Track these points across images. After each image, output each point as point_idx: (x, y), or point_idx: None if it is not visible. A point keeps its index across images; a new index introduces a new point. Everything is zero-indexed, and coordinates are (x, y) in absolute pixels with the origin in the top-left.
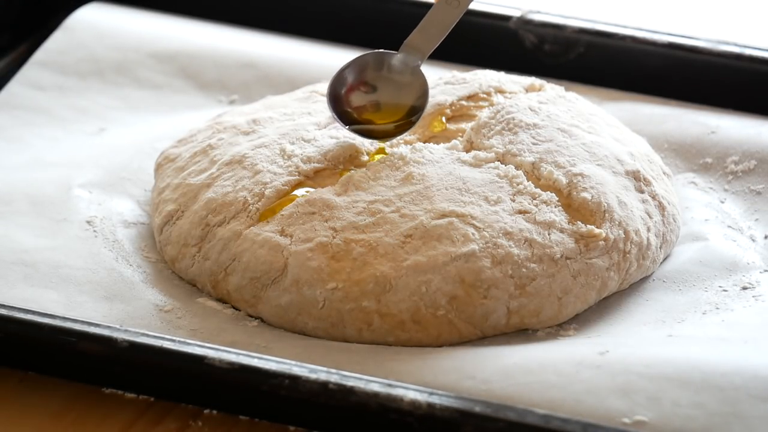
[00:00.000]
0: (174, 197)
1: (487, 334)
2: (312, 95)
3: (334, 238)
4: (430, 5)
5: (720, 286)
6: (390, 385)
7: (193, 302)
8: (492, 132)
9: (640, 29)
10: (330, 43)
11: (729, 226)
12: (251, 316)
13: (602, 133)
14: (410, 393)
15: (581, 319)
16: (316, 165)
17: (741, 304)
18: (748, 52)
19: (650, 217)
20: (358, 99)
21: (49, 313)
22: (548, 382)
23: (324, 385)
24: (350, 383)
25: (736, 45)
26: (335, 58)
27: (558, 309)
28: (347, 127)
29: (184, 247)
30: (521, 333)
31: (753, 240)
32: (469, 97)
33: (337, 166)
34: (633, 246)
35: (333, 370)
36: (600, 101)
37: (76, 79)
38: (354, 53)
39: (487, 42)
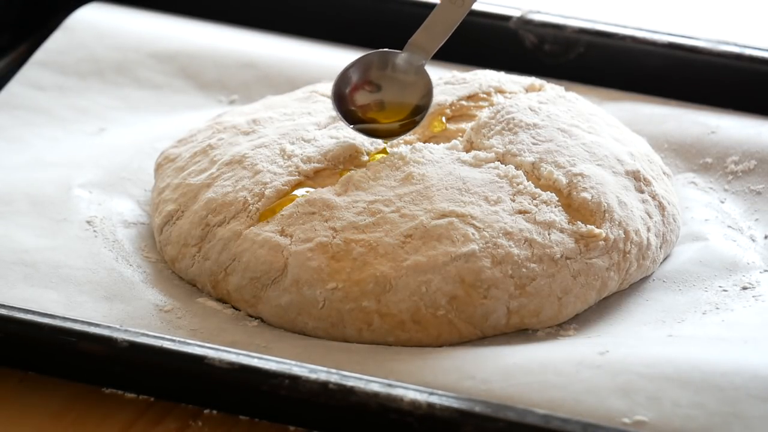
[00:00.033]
0: (174, 197)
1: (487, 334)
2: (312, 95)
3: (334, 238)
4: (429, 5)
5: (720, 286)
6: (390, 385)
7: (193, 302)
8: (492, 132)
9: (640, 29)
10: (330, 43)
11: (729, 226)
12: (251, 316)
13: (602, 133)
14: (410, 393)
15: (581, 319)
16: (316, 165)
17: (741, 304)
18: (748, 52)
19: (650, 217)
20: (362, 98)
21: (49, 313)
22: (548, 382)
23: (324, 385)
24: (350, 383)
25: (736, 45)
26: (335, 58)
27: (558, 309)
28: (352, 126)
29: (184, 247)
30: (521, 333)
31: (753, 240)
32: (469, 97)
33: (337, 166)
34: (633, 246)
35: (333, 370)
36: (600, 101)
37: (76, 79)
38: (354, 53)
39: (487, 42)
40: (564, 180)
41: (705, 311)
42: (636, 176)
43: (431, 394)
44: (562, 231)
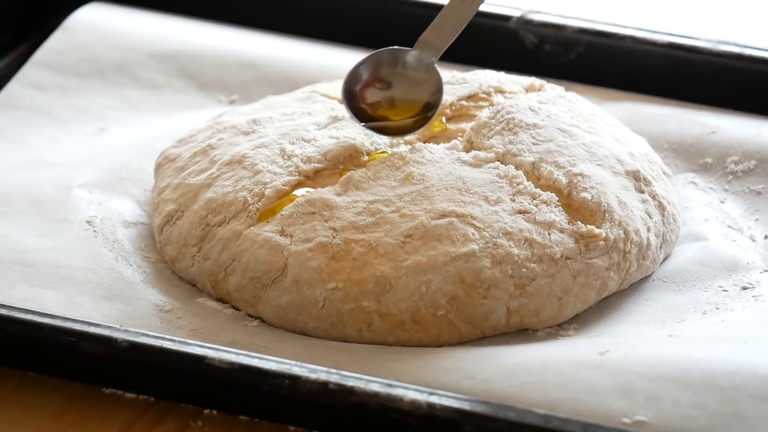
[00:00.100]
0: (174, 197)
1: (487, 334)
2: (312, 95)
3: (334, 238)
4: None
5: (720, 286)
6: (390, 385)
7: (193, 302)
8: (492, 132)
9: (640, 29)
10: (330, 43)
11: (729, 226)
12: (251, 316)
13: (602, 133)
14: (410, 393)
15: (581, 319)
16: (316, 165)
17: (741, 304)
18: (748, 52)
19: (650, 217)
20: (372, 95)
21: (49, 313)
22: (548, 382)
23: (324, 385)
24: (350, 383)
25: (736, 45)
26: (335, 58)
27: (558, 309)
28: (362, 124)
29: (184, 247)
30: (521, 333)
31: (753, 240)
32: (469, 97)
33: (337, 166)
34: (633, 246)
35: (333, 370)
36: (600, 101)
37: (76, 79)
38: (354, 53)
39: (487, 42)
40: (564, 180)
41: (705, 311)
42: (636, 176)
43: (431, 394)
44: (562, 231)
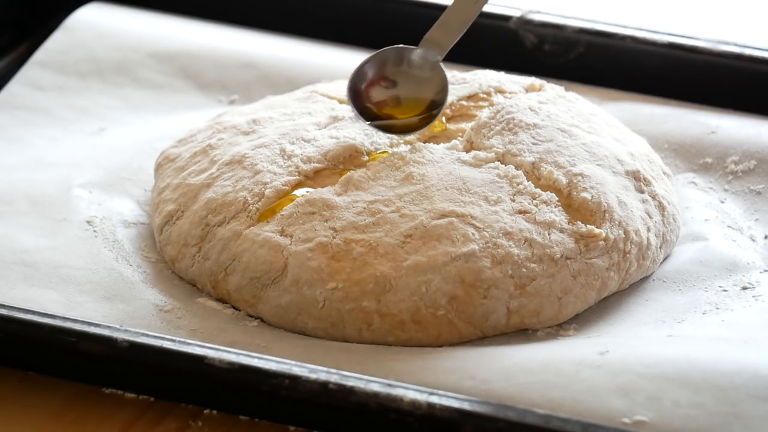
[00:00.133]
0: (174, 197)
1: (487, 334)
2: (312, 95)
3: (334, 238)
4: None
5: (720, 286)
6: (390, 385)
7: (193, 302)
8: (492, 132)
9: (640, 29)
10: (330, 43)
11: (729, 226)
12: (251, 316)
13: (602, 133)
14: (410, 393)
15: (581, 319)
16: (316, 165)
17: (741, 304)
18: (748, 52)
19: (650, 217)
20: (378, 94)
21: (49, 313)
22: (548, 382)
23: (324, 385)
24: (350, 383)
25: (736, 45)
26: (335, 58)
27: (558, 309)
28: (368, 122)
29: (184, 247)
30: (521, 333)
31: (753, 240)
32: (469, 97)
33: (337, 166)
34: (633, 246)
35: (333, 370)
36: (600, 101)
37: (76, 79)
38: (354, 53)
39: (487, 42)
40: (564, 180)
41: (705, 311)
42: (636, 176)
43: (431, 394)
44: (562, 231)
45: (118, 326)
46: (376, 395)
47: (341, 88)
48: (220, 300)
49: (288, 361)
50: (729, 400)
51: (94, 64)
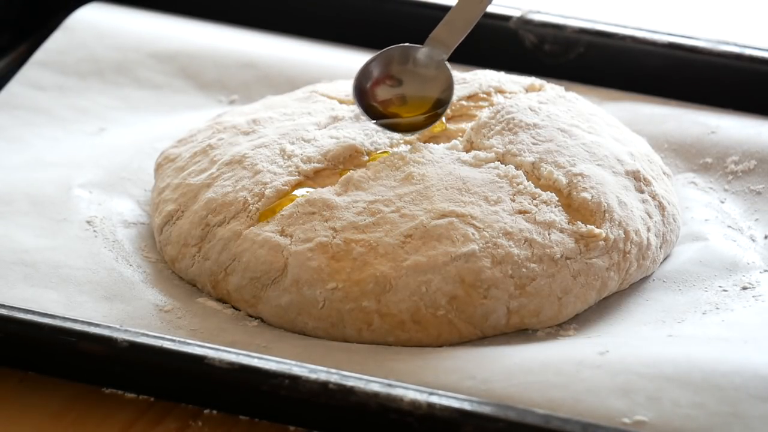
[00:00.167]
0: (174, 197)
1: (487, 334)
2: (312, 95)
3: (334, 238)
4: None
5: (720, 286)
6: (390, 385)
7: (193, 302)
8: (492, 132)
9: (640, 29)
10: (330, 43)
11: (729, 226)
12: (251, 316)
13: (602, 133)
14: (410, 393)
15: (581, 319)
16: (316, 165)
17: (741, 304)
18: (748, 52)
19: (650, 217)
20: (383, 93)
21: (49, 313)
22: (548, 382)
23: (324, 385)
24: (350, 383)
25: (736, 45)
26: (335, 58)
27: (558, 309)
28: (374, 121)
29: (184, 247)
30: (521, 333)
31: (753, 240)
32: (469, 97)
33: (337, 166)
34: (633, 246)
35: (333, 370)
36: (600, 101)
37: (76, 79)
38: (354, 53)
39: (487, 42)
40: (564, 180)
41: (705, 311)
42: (636, 176)
43: (431, 394)
44: (562, 231)
45: (118, 326)
46: (376, 395)
47: (341, 88)
48: (220, 300)
49: (288, 361)
50: (729, 400)
51: (94, 64)
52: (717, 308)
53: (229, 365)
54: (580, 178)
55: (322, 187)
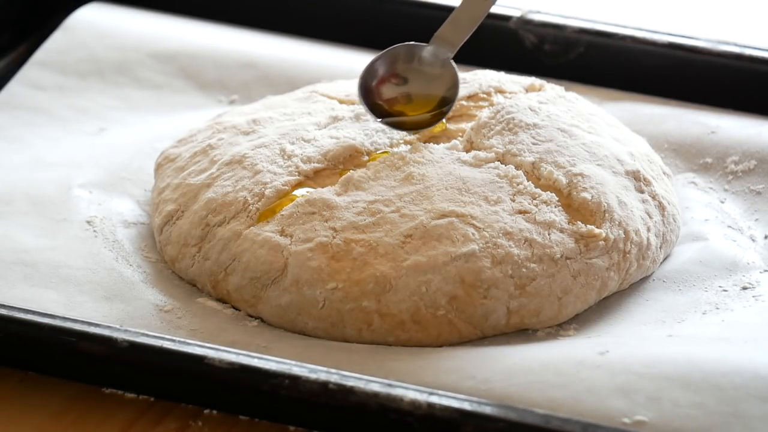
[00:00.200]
0: (174, 197)
1: (487, 334)
2: (312, 95)
3: (334, 238)
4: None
5: (720, 286)
6: (390, 385)
7: (193, 302)
8: (492, 132)
9: (640, 29)
10: (330, 43)
11: (729, 226)
12: (251, 316)
13: (602, 133)
14: (410, 393)
15: (581, 319)
16: (316, 165)
17: (741, 304)
18: (748, 52)
19: (650, 217)
20: (389, 91)
21: (49, 313)
22: (548, 382)
23: (324, 385)
24: (350, 383)
25: (736, 45)
26: (335, 58)
27: (558, 309)
28: (379, 120)
29: (184, 247)
30: (521, 333)
31: (753, 240)
32: (469, 97)
33: (337, 166)
34: (633, 246)
35: (333, 370)
36: (600, 101)
37: (76, 79)
38: (354, 53)
39: (487, 42)
40: (564, 180)
41: (705, 311)
42: (636, 176)
43: (431, 394)
44: (562, 231)
45: (118, 326)
46: (376, 395)
47: (341, 88)
48: (220, 300)
49: (288, 361)
50: (729, 400)
51: (94, 64)
52: (717, 308)
53: (229, 365)
54: (580, 178)
55: (322, 187)
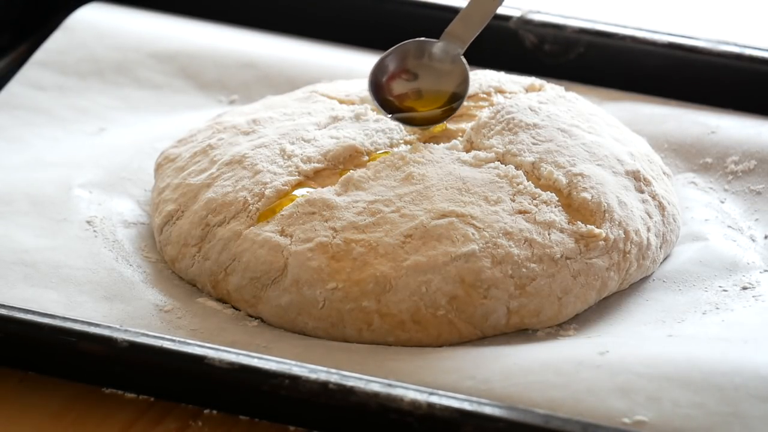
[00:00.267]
0: (174, 197)
1: (487, 334)
2: (312, 95)
3: (334, 238)
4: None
5: (720, 286)
6: (390, 385)
7: (193, 302)
8: (492, 132)
9: (640, 29)
10: (330, 43)
11: (729, 226)
12: (251, 316)
13: (602, 133)
14: (410, 393)
15: (581, 319)
16: (316, 165)
17: (741, 304)
18: (748, 52)
19: (650, 217)
20: (399, 87)
21: (49, 313)
22: (548, 382)
23: (324, 385)
24: (350, 383)
25: (736, 45)
26: (335, 58)
27: (558, 309)
28: (389, 116)
29: (184, 247)
30: (521, 333)
31: (753, 240)
32: (469, 97)
33: (337, 166)
34: (633, 246)
35: (333, 370)
36: (600, 101)
37: (76, 79)
38: (354, 53)
39: (487, 42)
40: (564, 180)
41: (705, 311)
42: (636, 176)
43: (431, 394)
44: (562, 231)
45: (118, 326)
46: (376, 395)
47: (341, 88)
48: (220, 300)
49: (288, 361)
50: (729, 400)
51: (94, 64)
52: (717, 308)
53: (229, 365)
54: (580, 178)
55: (322, 187)
